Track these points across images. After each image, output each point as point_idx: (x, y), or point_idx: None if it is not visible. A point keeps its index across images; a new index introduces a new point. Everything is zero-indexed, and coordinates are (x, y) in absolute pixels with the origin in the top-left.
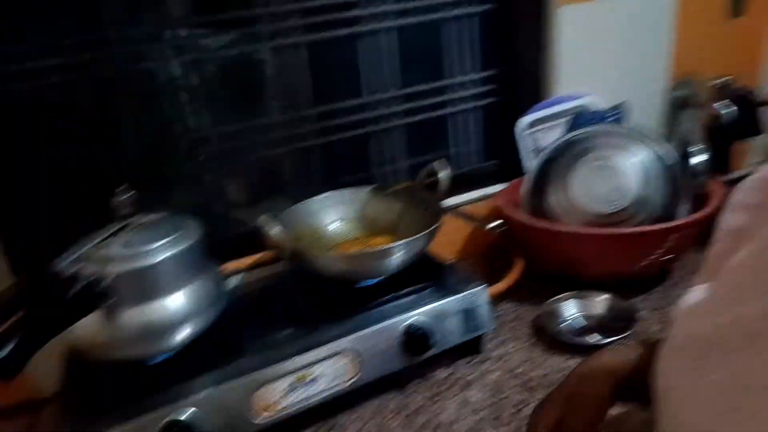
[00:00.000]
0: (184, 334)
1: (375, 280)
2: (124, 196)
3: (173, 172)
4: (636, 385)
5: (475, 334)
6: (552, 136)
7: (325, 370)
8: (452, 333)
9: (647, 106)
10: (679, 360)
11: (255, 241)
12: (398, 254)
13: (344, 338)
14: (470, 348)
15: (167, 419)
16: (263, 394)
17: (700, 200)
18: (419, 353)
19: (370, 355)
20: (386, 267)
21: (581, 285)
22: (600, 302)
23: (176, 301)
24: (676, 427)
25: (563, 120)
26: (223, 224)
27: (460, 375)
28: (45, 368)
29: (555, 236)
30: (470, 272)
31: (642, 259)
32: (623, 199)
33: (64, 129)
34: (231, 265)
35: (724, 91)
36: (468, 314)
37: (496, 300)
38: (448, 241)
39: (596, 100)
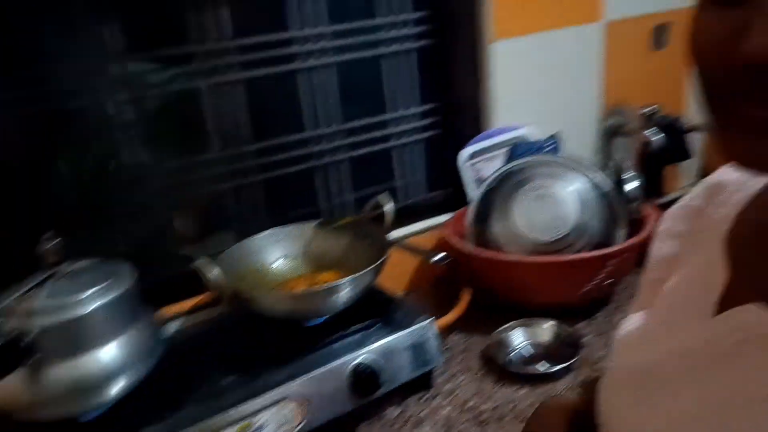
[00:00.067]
0: (118, 387)
1: (321, 319)
2: (51, 244)
3: (109, 213)
4: (586, 420)
5: (425, 369)
6: (493, 166)
7: (270, 417)
8: (402, 370)
9: (581, 136)
10: (619, 393)
11: (195, 283)
12: (345, 291)
13: (290, 383)
14: (420, 383)
15: None
16: None
17: (636, 225)
18: (369, 393)
19: (318, 399)
20: (333, 305)
21: (528, 313)
22: (546, 329)
23: (108, 352)
24: None
25: (502, 151)
26: (162, 266)
27: (412, 412)
28: None
29: (499, 266)
30: (418, 305)
31: (584, 284)
32: (563, 226)
33: None
34: (169, 310)
35: (652, 119)
36: (417, 349)
37: (445, 332)
38: (396, 274)
39: (533, 131)
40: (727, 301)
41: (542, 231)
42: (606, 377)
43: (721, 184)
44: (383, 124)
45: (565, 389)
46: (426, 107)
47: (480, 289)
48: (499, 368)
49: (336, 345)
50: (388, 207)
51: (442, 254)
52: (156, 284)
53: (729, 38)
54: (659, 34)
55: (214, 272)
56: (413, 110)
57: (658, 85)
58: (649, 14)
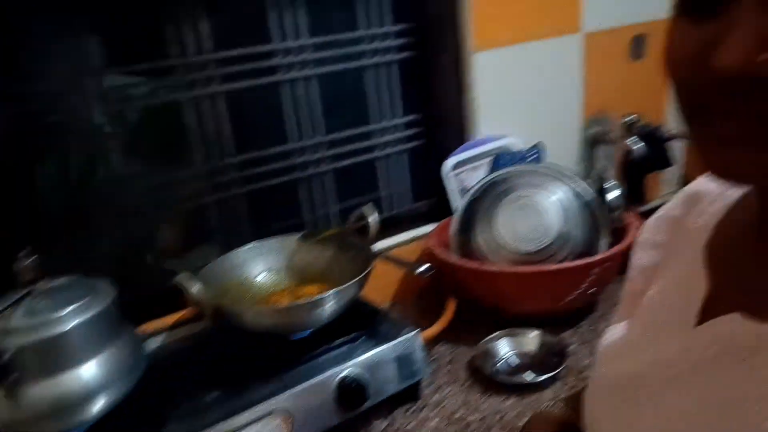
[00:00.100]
0: (99, 405)
1: (306, 333)
2: (27, 261)
3: (89, 228)
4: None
5: (412, 381)
6: (476, 176)
7: None
8: (388, 382)
9: (564, 145)
10: (604, 403)
11: (177, 298)
12: (329, 304)
13: (275, 397)
14: (408, 396)
15: None
16: None
17: (619, 233)
18: (355, 407)
19: (304, 413)
20: (317, 318)
21: (513, 322)
22: (532, 339)
23: (89, 370)
24: None
25: (486, 161)
26: (143, 281)
27: (399, 425)
28: None
29: (483, 276)
30: (403, 317)
31: (568, 293)
32: (546, 236)
33: None
34: (151, 326)
35: (633, 128)
36: (403, 361)
37: (431, 343)
38: (381, 285)
39: (515, 141)
40: (709, 310)
41: (526, 241)
42: (590, 387)
43: (699, 193)
44: (367, 135)
45: (553, 402)
46: (409, 118)
47: (465, 299)
48: (486, 378)
49: (321, 358)
50: (372, 218)
51: (427, 266)
52: (137, 300)
53: (702, 52)
54: (637, 44)
55: (195, 287)
56: (396, 121)
57: (638, 94)
58: (627, 26)
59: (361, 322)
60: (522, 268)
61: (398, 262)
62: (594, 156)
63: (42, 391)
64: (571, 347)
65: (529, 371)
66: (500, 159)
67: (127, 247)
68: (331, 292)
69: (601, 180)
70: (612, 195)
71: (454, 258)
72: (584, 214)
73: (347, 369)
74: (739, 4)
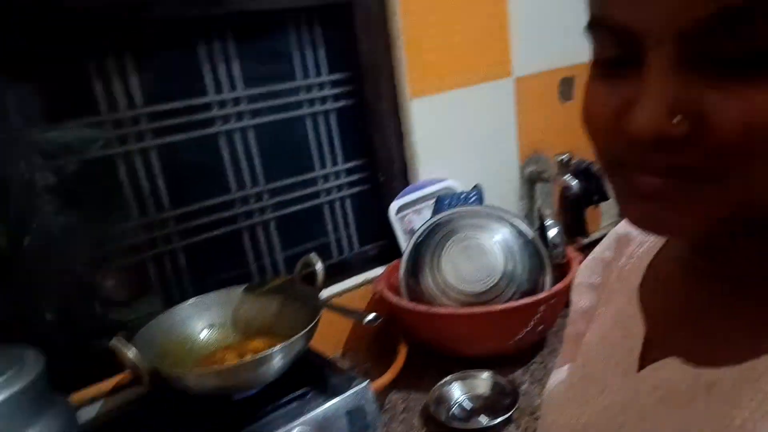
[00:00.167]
0: None
1: (252, 392)
2: None
3: (22, 287)
4: None
5: None
6: (422, 218)
7: None
8: None
9: (503, 184)
10: None
11: (112, 362)
12: (275, 360)
13: None
14: None
15: None
16: None
17: (562, 269)
18: None
19: None
20: (263, 376)
21: (465, 364)
22: (483, 381)
23: None
24: None
25: (429, 203)
26: (80, 343)
27: None
28: None
29: (432, 319)
30: (354, 367)
31: (516, 332)
32: (492, 276)
33: None
34: (85, 394)
35: (568, 165)
36: (354, 415)
37: (384, 392)
38: (330, 333)
39: (456, 183)
40: (648, 354)
41: (472, 282)
42: None
43: (628, 236)
44: (311, 182)
45: None
46: (352, 164)
47: (416, 342)
48: (441, 425)
49: (268, 418)
50: (318, 266)
51: (374, 315)
52: (70, 365)
53: (616, 112)
54: (566, 86)
55: (131, 352)
56: (339, 167)
57: (570, 132)
58: (555, 69)
59: (309, 376)
60: (470, 309)
61: (346, 312)
62: (533, 194)
63: None
64: (523, 387)
65: (483, 414)
66: (443, 200)
67: (60, 306)
68: (277, 347)
69: (542, 218)
70: (552, 233)
71: (403, 302)
72: (527, 252)
73: (296, 428)
74: (649, 68)
